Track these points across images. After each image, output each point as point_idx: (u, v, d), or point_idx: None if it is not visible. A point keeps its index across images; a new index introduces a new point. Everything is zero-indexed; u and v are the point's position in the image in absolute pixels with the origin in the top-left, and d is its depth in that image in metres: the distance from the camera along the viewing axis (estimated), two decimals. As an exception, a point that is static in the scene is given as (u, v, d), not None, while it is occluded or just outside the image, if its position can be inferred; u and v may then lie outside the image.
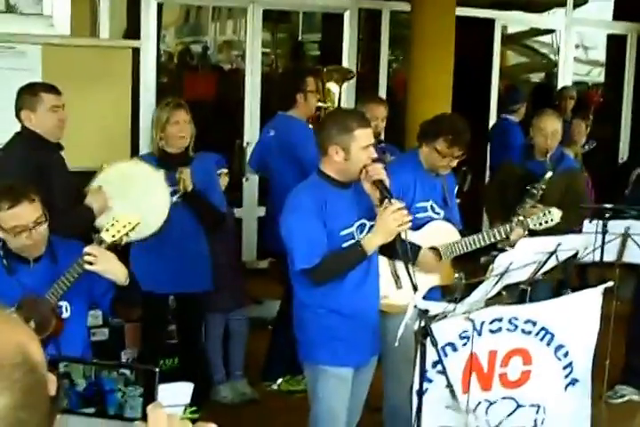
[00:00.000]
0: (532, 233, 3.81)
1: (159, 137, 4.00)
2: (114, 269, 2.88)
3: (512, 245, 3.55)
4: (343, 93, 6.92)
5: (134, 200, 3.61)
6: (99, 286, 2.97)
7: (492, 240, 3.72)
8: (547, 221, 3.73)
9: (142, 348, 4.34)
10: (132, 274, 2.95)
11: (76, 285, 2.93)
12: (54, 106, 3.67)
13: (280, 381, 4.76)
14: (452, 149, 3.64)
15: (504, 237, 3.71)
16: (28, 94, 3.68)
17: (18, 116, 3.68)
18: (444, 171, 3.75)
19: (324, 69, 5.51)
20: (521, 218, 3.76)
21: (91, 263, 2.84)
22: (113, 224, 2.94)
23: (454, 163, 3.72)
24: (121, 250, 3.04)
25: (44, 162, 3.53)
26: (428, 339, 2.85)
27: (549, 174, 4.31)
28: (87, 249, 2.86)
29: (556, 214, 3.72)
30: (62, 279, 2.90)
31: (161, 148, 4.01)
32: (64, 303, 2.98)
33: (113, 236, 2.92)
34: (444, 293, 3.78)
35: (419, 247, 3.58)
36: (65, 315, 2.99)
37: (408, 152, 3.87)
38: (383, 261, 3.40)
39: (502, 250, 3.82)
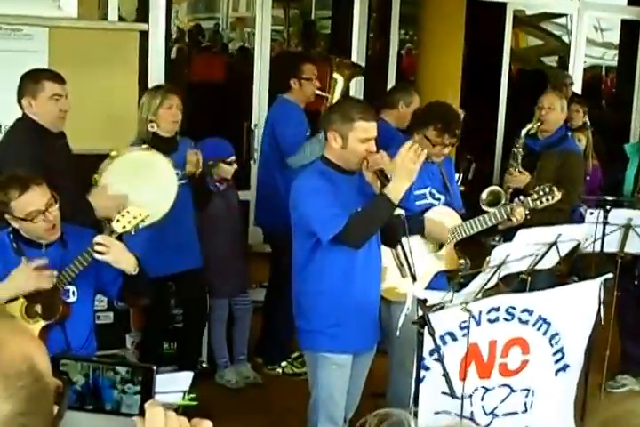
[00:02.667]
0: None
1: (149, 120, 4.01)
2: (124, 259, 2.93)
3: (512, 228, 3.61)
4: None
5: (143, 187, 3.60)
6: (107, 274, 3.01)
7: (494, 222, 3.72)
8: (547, 199, 3.73)
9: (145, 332, 4.41)
10: (140, 263, 2.99)
11: (85, 272, 2.98)
12: (56, 94, 3.58)
13: (284, 364, 4.82)
14: (442, 137, 3.66)
15: (505, 217, 3.72)
16: (30, 81, 3.59)
17: (19, 102, 3.61)
18: (436, 159, 3.75)
19: (336, 59, 5.46)
20: (522, 197, 3.77)
21: (101, 253, 2.89)
22: (124, 215, 3.00)
23: (446, 150, 3.73)
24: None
25: (44, 151, 3.48)
26: (426, 328, 2.89)
27: (524, 131, 4.51)
28: (97, 239, 2.91)
29: (556, 192, 3.73)
30: (71, 266, 2.95)
31: (151, 131, 4.02)
32: (71, 288, 3.03)
33: (124, 226, 2.99)
34: (449, 278, 3.81)
35: (421, 219, 3.62)
36: (71, 299, 3.04)
37: (401, 143, 3.87)
38: (387, 252, 3.43)
39: (504, 231, 3.87)
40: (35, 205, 2.90)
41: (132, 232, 3.03)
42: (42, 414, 0.98)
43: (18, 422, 0.94)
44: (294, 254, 3.22)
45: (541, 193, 3.75)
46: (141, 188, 3.56)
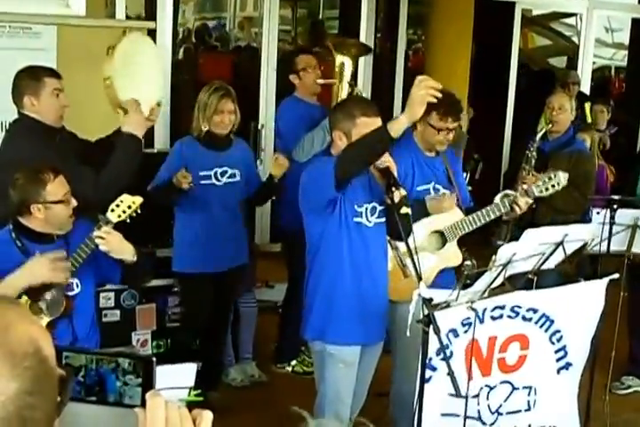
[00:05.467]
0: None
1: (203, 120, 4.08)
2: (122, 249, 2.98)
3: (517, 218, 3.56)
4: (360, 73, 6.89)
5: (138, 75, 3.67)
6: (104, 261, 3.04)
7: (497, 214, 3.66)
8: (553, 186, 3.66)
9: (179, 330, 4.46)
10: (138, 249, 3.02)
11: (84, 262, 3.00)
12: (56, 89, 3.56)
13: (294, 362, 4.82)
14: (445, 120, 3.64)
15: (508, 208, 3.66)
16: (29, 79, 3.54)
17: (18, 101, 3.54)
18: (441, 147, 3.72)
19: (333, 41, 5.29)
20: (525, 186, 3.72)
21: (100, 245, 2.94)
22: (118, 204, 3.03)
23: (450, 136, 3.70)
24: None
25: (46, 149, 3.45)
26: (431, 327, 2.88)
27: (539, 135, 4.46)
28: (96, 233, 2.94)
29: (562, 177, 3.65)
30: (71, 260, 2.97)
31: (204, 129, 4.10)
32: (74, 280, 3.05)
33: (119, 216, 3.02)
34: (457, 275, 3.79)
35: (422, 201, 3.61)
36: (75, 291, 3.07)
37: (402, 137, 3.85)
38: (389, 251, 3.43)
39: (507, 222, 3.82)
40: (66, 187, 3.00)
41: (128, 220, 3.04)
42: (47, 396, 1.00)
43: (25, 401, 0.96)
44: (307, 245, 3.26)
45: (546, 180, 3.68)
46: (137, 76, 3.64)
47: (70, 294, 3.04)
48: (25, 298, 2.97)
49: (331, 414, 3.29)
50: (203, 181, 4.05)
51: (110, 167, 3.42)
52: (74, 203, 3.00)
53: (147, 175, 3.99)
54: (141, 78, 3.65)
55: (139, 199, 3.05)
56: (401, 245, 3.35)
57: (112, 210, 3.01)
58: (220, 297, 4.27)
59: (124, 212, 3.02)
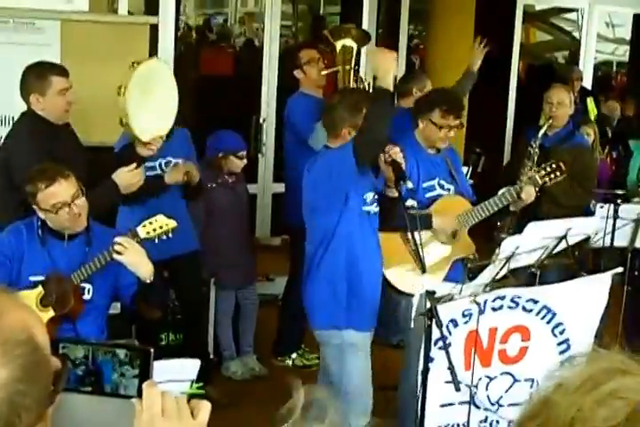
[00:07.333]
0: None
1: None
2: (140, 264, 2.95)
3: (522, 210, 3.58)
4: (362, 68, 6.87)
5: (154, 102, 3.66)
6: (124, 277, 3.03)
7: (505, 203, 3.73)
8: (556, 175, 3.73)
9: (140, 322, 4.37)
10: (158, 275, 3.01)
11: (104, 272, 3.01)
12: (63, 89, 3.56)
13: (295, 356, 4.83)
14: (448, 118, 3.67)
15: (515, 197, 3.72)
16: (35, 77, 3.56)
17: (25, 97, 3.57)
18: (442, 144, 3.75)
19: (329, 30, 5.22)
20: (529, 174, 3.78)
21: (119, 253, 2.92)
22: (151, 222, 3.04)
23: (452, 133, 3.74)
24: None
25: (52, 145, 3.48)
26: (434, 320, 2.89)
27: (542, 132, 4.45)
28: (118, 239, 2.94)
29: (563, 168, 3.73)
30: (90, 264, 2.99)
31: None
32: (87, 285, 3.06)
33: (148, 233, 3.02)
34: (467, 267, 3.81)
35: (428, 215, 3.62)
36: (86, 297, 3.07)
37: (405, 135, 3.88)
38: (402, 245, 3.45)
39: (513, 213, 3.86)
40: (59, 198, 2.96)
41: (156, 240, 3.03)
42: (40, 384, 1.00)
43: (16, 389, 0.96)
44: (313, 238, 3.29)
45: (549, 169, 3.76)
46: (151, 103, 3.62)
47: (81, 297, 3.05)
48: (39, 290, 3.00)
49: (359, 410, 3.23)
50: (149, 173, 3.95)
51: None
52: (74, 210, 2.98)
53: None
54: (155, 106, 3.65)
55: (172, 223, 3.05)
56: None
57: (144, 226, 3.02)
58: (179, 288, 4.27)
59: (155, 230, 3.02)
